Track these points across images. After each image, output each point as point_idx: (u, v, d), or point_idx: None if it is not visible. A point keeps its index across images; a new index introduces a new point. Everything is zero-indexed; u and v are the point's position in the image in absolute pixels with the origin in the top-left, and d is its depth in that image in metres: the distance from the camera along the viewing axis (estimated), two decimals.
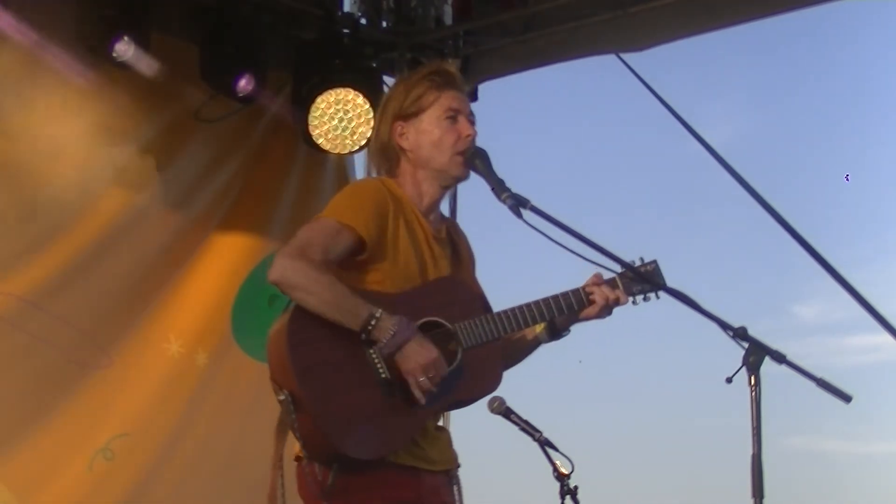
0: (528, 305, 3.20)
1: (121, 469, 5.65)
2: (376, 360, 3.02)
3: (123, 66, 5.43)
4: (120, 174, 5.71)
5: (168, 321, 5.94)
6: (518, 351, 3.39)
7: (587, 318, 3.30)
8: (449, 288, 3.22)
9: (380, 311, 2.99)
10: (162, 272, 5.93)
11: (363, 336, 2.99)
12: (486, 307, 3.28)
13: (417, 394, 3.03)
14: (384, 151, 3.30)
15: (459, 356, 3.11)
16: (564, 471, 4.40)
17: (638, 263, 3.29)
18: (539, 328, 3.35)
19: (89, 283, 5.60)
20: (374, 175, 3.42)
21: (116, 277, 5.72)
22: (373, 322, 2.98)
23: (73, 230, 5.55)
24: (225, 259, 6.18)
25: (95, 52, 5.43)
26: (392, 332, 2.98)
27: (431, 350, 3.03)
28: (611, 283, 3.27)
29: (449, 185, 3.33)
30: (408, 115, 3.25)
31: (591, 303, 3.26)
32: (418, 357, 3.01)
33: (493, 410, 4.37)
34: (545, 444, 4.41)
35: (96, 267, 5.63)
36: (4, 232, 5.34)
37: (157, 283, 5.92)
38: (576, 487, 4.39)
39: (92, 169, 5.60)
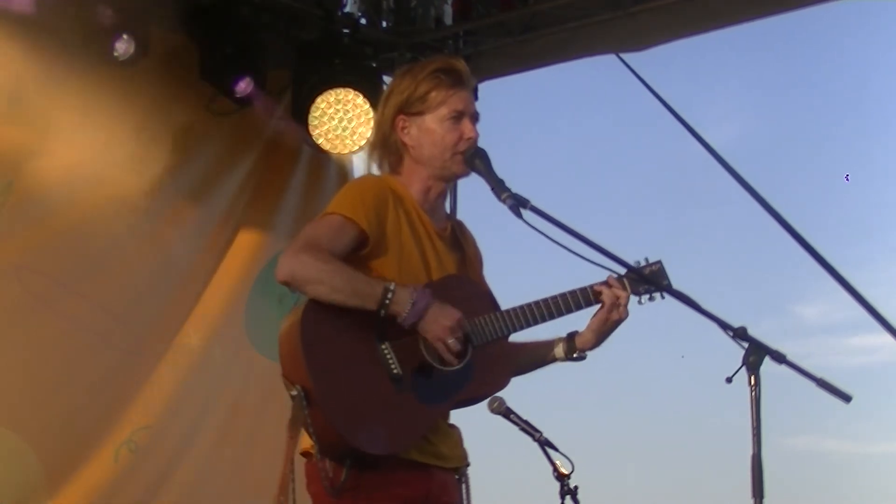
0: (536, 303, 3.20)
1: (143, 461, 5.75)
2: (388, 356, 3.04)
3: (126, 65, 5.47)
4: (137, 165, 5.76)
5: (188, 314, 6.03)
6: (534, 362, 3.39)
7: (607, 325, 3.27)
8: (457, 285, 3.22)
9: (393, 284, 3.01)
10: (185, 265, 6.04)
11: (381, 312, 3.00)
12: (495, 305, 3.29)
13: (448, 357, 3.05)
14: (385, 144, 3.29)
15: (470, 353, 3.11)
16: (564, 471, 4.40)
17: (643, 263, 3.29)
18: (559, 351, 3.35)
19: (117, 270, 5.69)
20: (374, 172, 3.41)
21: (142, 267, 5.80)
22: (389, 296, 2.99)
23: (86, 219, 5.60)
24: (240, 256, 6.26)
25: (96, 51, 5.45)
26: (411, 303, 2.99)
27: (453, 312, 3.05)
28: (618, 282, 3.27)
29: (450, 180, 3.34)
30: (412, 112, 3.24)
31: (599, 301, 3.25)
32: (443, 321, 3.03)
33: (493, 410, 4.36)
34: (545, 444, 4.40)
35: (121, 255, 5.71)
36: (29, 215, 5.39)
37: (180, 276, 6.02)
38: (576, 487, 4.39)
39: (108, 158, 5.65)
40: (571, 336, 3.33)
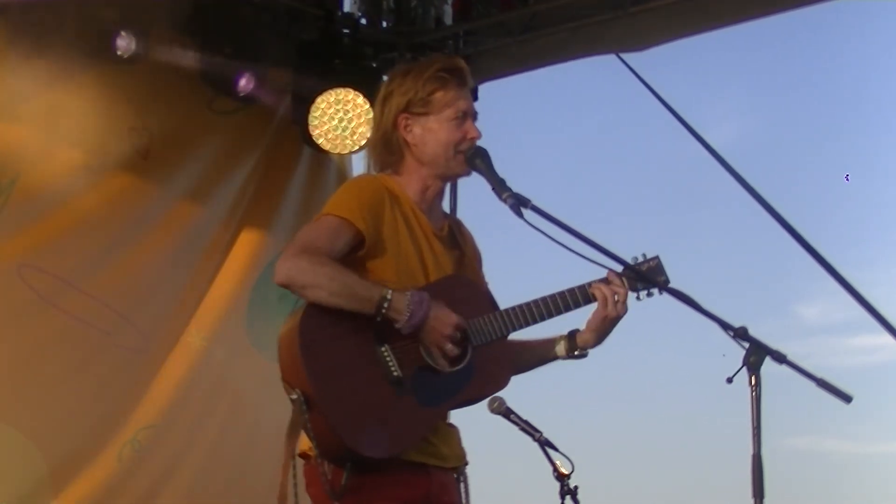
0: (535, 302, 3.21)
1: (146, 460, 5.78)
2: (388, 359, 3.04)
3: (127, 63, 5.48)
4: (140, 164, 5.77)
5: (192, 313, 6.06)
6: (534, 360, 3.39)
7: (605, 322, 3.26)
8: (455, 286, 3.22)
9: (390, 290, 3.01)
10: (189, 265, 6.05)
11: (379, 318, 3.00)
12: (493, 305, 3.29)
13: (442, 363, 3.05)
14: (386, 142, 3.27)
15: (470, 354, 3.11)
16: (564, 471, 4.40)
17: (641, 259, 3.30)
18: (560, 349, 3.35)
19: (122, 269, 5.71)
20: (373, 173, 3.41)
21: (146, 265, 5.82)
22: (386, 303, 2.99)
23: (90, 217, 5.61)
24: (242, 256, 6.29)
25: (97, 49, 5.47)
26: (408, 312, 2.99)
27: (451, 316, 3.06)
28: (616, 278, 3.26)
29: (450, 179, 3.36)
30: (416, 111, 3.23)
31: (595, 299, 3.25)
32: (442, 327, 3.03)
33: (493, 410, 4.36)
34: (545, 444, 4.40)
35: (126, 253, 5.73)
36: (33, 213, 5.39)
37: (184, 275, 6.03)
38: (576, 487, 4.39)
39: (111, 156, 5.66)
40: (572, 334, 3.33)
